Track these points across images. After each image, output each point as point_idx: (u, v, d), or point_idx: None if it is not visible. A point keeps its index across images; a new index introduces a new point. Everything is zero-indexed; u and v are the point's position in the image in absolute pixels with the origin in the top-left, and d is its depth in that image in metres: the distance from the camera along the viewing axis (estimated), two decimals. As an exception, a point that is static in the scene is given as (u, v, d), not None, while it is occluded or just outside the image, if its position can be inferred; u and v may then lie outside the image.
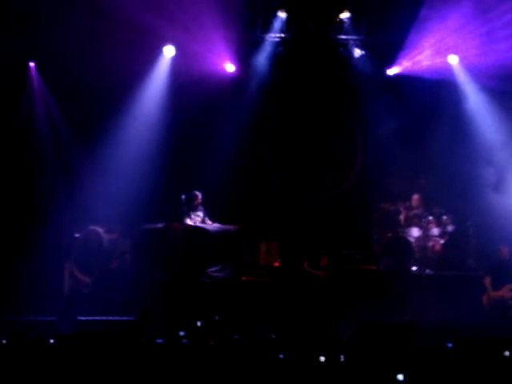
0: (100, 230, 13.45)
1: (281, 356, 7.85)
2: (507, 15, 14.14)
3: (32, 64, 14.82)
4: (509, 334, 10.27)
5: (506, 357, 7.95)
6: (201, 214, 14.24)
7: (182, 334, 9.24)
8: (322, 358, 7.83)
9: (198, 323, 10.76)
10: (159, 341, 8.18)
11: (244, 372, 7.17)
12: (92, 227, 13.47)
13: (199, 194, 14.29)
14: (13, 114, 14.67)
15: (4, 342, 8.23)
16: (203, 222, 14.20)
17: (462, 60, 15.16)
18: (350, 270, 14.03)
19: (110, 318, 12.62)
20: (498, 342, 8.20)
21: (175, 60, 15.04)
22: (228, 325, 9.04)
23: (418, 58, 15.01)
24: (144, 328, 8.68)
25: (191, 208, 14.22)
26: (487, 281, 12.83)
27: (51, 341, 7.99)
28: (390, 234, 15.07)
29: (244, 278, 14.06)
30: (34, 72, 14.83)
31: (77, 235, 13.65)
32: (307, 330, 10.82)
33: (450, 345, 8.52)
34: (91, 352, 7.44)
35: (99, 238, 13.39)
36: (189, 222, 14.13)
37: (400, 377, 7.08)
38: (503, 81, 14.40)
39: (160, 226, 14.13)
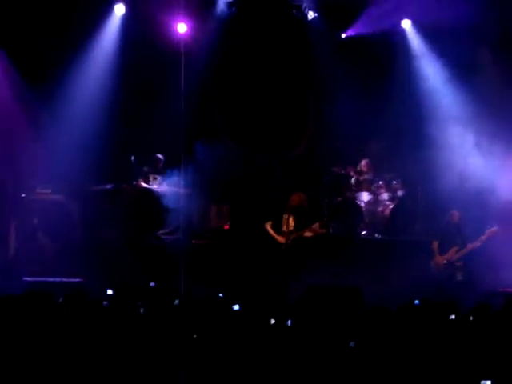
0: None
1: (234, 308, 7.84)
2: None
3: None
4: (456, 297, 10.44)
5: (451, 320, 8.04)
6: (159, 177, 14.12)
7: (109, 292, 9.12)
8: (272, 321, 7.82)
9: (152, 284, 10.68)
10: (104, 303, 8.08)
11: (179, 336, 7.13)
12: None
13: (161, 158, 14.19)
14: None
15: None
16: (160, 185, 14.07)
17: (414, 22, 15.20)
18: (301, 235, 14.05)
19: (57, 279, 12.48)
20: (443, 306, 8.29)
21: (126, 18, 14.80)
22: (170, 290, 8.94)
23: (371, 21, 14.96)
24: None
25: (152, 171, 14.11)
26: (435, 245, 12.94)
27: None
28: (339, 199, 15.10)
29: (194, 241, 14.01)
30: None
31: (23, 195, 13.46)
32: (256, 293, 10.77)
33: (416, 302, 8.59)
34: (38, 313, 7.34)
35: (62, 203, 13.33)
36: (143, 184, 14.00)
37: (352, 344, 7.10)
38: (454, 41, 14.49)
39: (109, 187, 13.99)
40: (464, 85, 14.55)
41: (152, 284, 10.54)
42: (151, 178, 14.08)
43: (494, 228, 12.70)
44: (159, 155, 14.22)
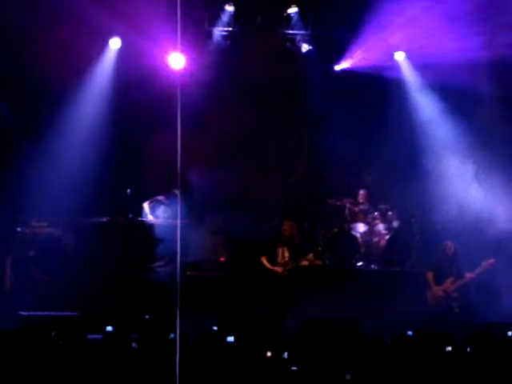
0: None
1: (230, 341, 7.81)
2: (449, 13, 14.27)
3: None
4: (453, 328, 10.43)
5: (448, 352, 8.02)
6: (159, 209, 14.11)
7: (109, 329, 9.09)
8: (269, 353, 7.79)
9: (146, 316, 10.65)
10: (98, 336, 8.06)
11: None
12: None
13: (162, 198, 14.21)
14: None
15: None
16: (155, 217, 14.06)
17: (408, 56, 15.30)
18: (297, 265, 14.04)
19: (53, 313, 12.43)
20: (440, 337, 8.27)
21: (121, 52, 14.88)
22: (166, 322, 8.91)
23: (365, 53, 15.07)
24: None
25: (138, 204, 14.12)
26: (430, 276, 12.95)
27: None
28: (335, 230, 15.12)
29: (189, 273, 13.98)
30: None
31: (18, 229, 13.45)
32: (252, 325, 10.76)
33: (409, 333, 8.57)
34: (35, 347, 7.32)
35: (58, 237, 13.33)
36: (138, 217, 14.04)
37: (348, 377, 7.08)
38: (448, 76, 14.55)
39: (105, 220, 13.99)
40: (461, 116, 14.59)
41: (147, 316, 10.53)
42: (145, 211, 14.06)
43: (491, 260, 12.71)
44: (159, 197, 14.21)
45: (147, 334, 8.40)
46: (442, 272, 12.85)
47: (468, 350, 8.08)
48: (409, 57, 15.29)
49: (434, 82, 14.93)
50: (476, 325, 11.59)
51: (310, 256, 12.85)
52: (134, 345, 7.69)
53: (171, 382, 6.83)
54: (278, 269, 12.84)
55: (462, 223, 13.66)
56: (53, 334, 7.97)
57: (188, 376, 7.11)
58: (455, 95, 14.66)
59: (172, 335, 7.87)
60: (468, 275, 12.70)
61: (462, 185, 14.06)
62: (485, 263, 12.71)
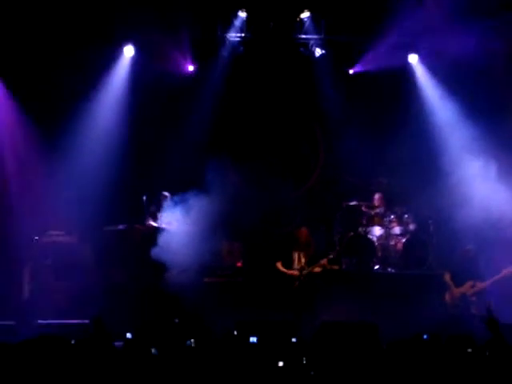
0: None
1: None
2: (463, 14, 14.21)
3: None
4: (471, 330, 10.36)
5: (469, 353, 7.98)
6: (168, 215, 14.11)
7: (128, 336, 9.10)
8: (281, 363, 7.77)
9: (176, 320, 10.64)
10: (118, 344, 8.07)
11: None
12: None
13: (168, 195, 14.18)
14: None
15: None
16: (170, 223, 14.05)
17: (421, 58, 15.26)
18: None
19: (71, 321, 12.46)
20: (459, 339, 8.22)
21: (135, 60, 14.94)
22: (186, 328, 8.92)
23: (379, 57, 15.03)
24: (99, 335, 8.55)
25: (159, 209, 14.11)
26: (447, 277, 12.88)
27: None
28: (351, 233, 15.10)
29: (207, 279, 13.99)
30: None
31: (36, 238, 13.50)
32: (269, 330, 10.75)
33: (425, 336, 8.53)
34: (52, 357, 7.32)
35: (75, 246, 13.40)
36: (152, 223, 14.02)
37: None
38: (461, 77, 14.50)
39: (121, 227, 14.01)
40: (482, 118, 14.48)
41: (176, 320, 10.53)
42: (159, 217, 14.06)
43: (511, 268, 12.61)
44: (165, 193, 14.20)
45: (173, 338, 8.39)
46: (460, 275, 12.78)
47: (487, 352, 8.04)
48: (423, 58, 15.24)
49: (450, 83, 14.84)
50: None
51: (324, 261, 12.85)
52: (153, 351, 7.70)
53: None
54: (295, 272, 12.85)
55: (484, 226, 13.51)
56: (73, 342, 7.98)
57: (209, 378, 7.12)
58: (475, 96, 14.57)
59: (189, 342, 7.88)
60: (487, 282, 12.61)
61: (484, 187, 13.88)
62: (505, 271, 12.63)
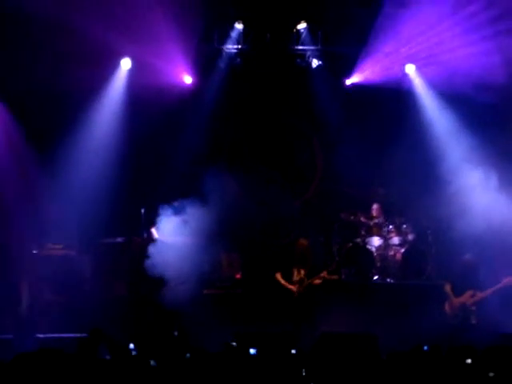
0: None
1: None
2: (460, 25, 14.23)
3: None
4: (472, 340, 10.33)
5: (468, 364, 7.95)
6: (166, 226, 14.05)
7: (131, 347, 9.09)
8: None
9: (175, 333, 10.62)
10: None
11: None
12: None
13: (165, 208, 14.13)
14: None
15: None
16: (165, 236, 13.98)
17: (418, 69, 15.27)
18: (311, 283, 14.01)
19: (71, 335, 12.43)
20: (460, 350, 8.20)
21: (132, 72, 14.95)
22: (186, 341, 8.92)
23: (376, 67, 15.06)
24: (96, 347, 8.52)
25: (156, 221, 14.05)
26: (447, 287, 12.85)
27: None
28: (350, 244, 15.09)
29: (206, 291, 13.96)
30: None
31: (34, 251, 13.48)
32: (269, 341, 10.73)
33: (425, 347, 8.50)
34: (51, 371, 7.30)
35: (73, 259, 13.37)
36: (151, 235, 13.99)
37: None
38: (459, 88, 14.49)
39: (120, 240, 13.99)
40: (481, 127, 14.46)
41: (175, 333, 10.52)
42: (157, 229, 14.00)
43: (511, 277, 12.57)
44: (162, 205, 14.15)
45: (172, 350, 8.37)
46: (460, 284, 12.75)
47: (488, 361, 8.01)
48: (420, 68, 15.25)
49: (448, 93, 14.82)
50: (493, 336, 11.50)
51: (324, 273, 12.84)
52: (152, 363, 7.68)
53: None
54: (293, 287, 12.80)
55: (484, 235, 13.47)
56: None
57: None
58: (474, 105, 14.56)
59: (188, 354, 7.85)
60: (487, 291, 12.57)
61: (483, 196, 13.84)
62: (505, 280, 12.59)
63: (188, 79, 15.30)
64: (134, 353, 8.58)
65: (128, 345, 9.14)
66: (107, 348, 8.28)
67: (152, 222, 14.12)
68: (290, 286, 12.80)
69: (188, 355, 7.84)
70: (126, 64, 14.92)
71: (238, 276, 14.81)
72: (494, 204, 13.65)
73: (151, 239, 13.91)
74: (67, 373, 7.35)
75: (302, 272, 12.88)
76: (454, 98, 14.74)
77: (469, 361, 8.00)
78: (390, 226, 15.15)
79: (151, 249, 13.74)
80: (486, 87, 14.43)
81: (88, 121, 14.61)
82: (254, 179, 16.06)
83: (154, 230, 13.82)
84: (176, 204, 13.64)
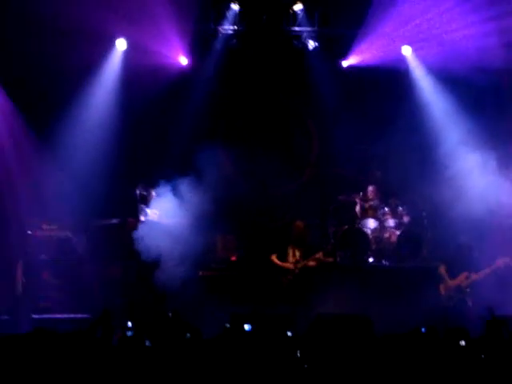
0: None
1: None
2: (459, 6, 14.18)
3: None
4: (466, 321, 10.36)
5: (462, 346, 7.98)
6: (157, 210, 14.03)
7: (129, 325, 9.09)
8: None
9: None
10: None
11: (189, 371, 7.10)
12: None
13: (152, 191, 14.10)
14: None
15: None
16: (160, 218, 13.97)
17: (415, 50, 15.21)
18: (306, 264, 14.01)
19: (65, 315, 12.45)
20: (454, 331, 8.22)
21: (127, 53, 14.89)
22: (181, 322, 8.91)
23: (373, 49, 15.01)
24: (101, 327, 8.54)
25: (151, 202, 14.04)
26: (442, 269, 12.87)
27: None
28: (346, 226, 15.09)
29: (201, 273, 13.97)
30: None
31: (29, 232, 13.46)
32: (264, 323, 10.74)
33: (423, 329, 8.52)
34: (47, 351, 7.31)
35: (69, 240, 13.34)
36: (146, 216, 13.96)
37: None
38: (457, 70, 14.44)
39: (115, 221, 13.97)
40: (479, 110, 14.41)
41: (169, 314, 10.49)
42: (149, 212, 13.96)
43: (506, 258, 12.57)
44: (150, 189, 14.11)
45: (167, 331, 8.38)
46: (455, 266, 12.76)
47: (482, 343, 8.04)
48: (417, 50, 15.18)
49: (446, 75, 14.77)
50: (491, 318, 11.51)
51: (320, 254, 12.86)
52: (147, 343, 7.69)
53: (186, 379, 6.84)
54: (289, 265, 12.85)
55: (478, 217, 13.46)
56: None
57: (202, 371, 7.12)
58: (471, 87, 14.52)
59: (188, 335, 7.86)
60: (481, 273, 12.58)
61: (481, 179, 13.82)
62: (499, 261, 12.60)
63: (184, 60, 15.24)
64: (129, 333, 8.58)
65: (126, 323, 9.15)
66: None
67: (147, 203, 14.12)
68: (286, 265, 12.84)
69: (188, 335, 7.85)
70: (121, 44, 14.84)
71: (234, 258, 14.81)
72: (491, 187, 13.64)
73: (146, 220, 13.90)
74: (62, 353, 7.37)
75: (298, 253, 12.93)
76: (452, 80, 14.71)
77: (463, 343, 8.02)
78: (386, 209, 15.15)
79: (146, 230, 13.75)
80: (483, 70, 14.39)
81: (84, 101, 14.56)
82: (251, 161, 16.03)
83: (149, 211, 13.81)
84: (172, 184, 13.64)
